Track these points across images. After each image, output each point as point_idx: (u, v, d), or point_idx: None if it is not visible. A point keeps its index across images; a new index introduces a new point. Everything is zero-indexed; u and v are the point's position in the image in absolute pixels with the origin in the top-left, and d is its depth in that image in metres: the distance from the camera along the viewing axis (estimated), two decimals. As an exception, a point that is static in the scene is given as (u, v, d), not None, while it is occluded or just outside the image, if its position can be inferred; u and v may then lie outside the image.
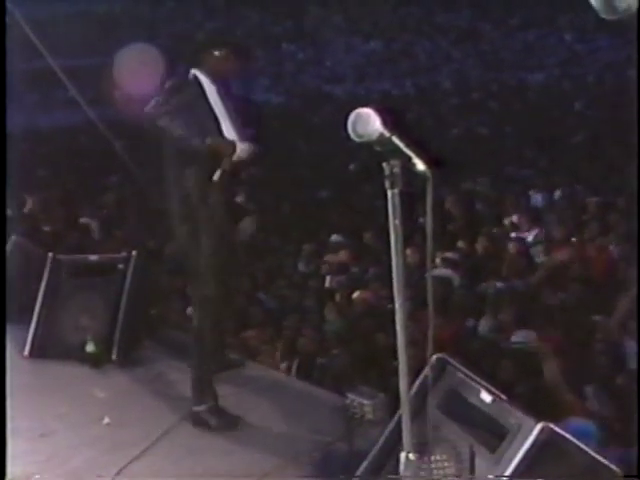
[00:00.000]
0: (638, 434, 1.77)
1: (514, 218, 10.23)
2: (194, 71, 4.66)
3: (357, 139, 2.72)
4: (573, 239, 9.05)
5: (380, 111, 2.71)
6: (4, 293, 5.22)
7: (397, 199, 2.73)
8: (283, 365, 7.22)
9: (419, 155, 2.68)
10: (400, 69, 25.97)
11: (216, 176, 4.52)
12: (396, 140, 2.71)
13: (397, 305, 2.78)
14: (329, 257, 9.59)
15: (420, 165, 2.67)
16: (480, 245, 9.19)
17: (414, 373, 3.45)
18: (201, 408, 4.68)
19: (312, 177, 14.03)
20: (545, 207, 10.78)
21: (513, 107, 19.37)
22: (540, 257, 8.80)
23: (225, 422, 4.67)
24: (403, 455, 2.94)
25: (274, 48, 29.24)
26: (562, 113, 17.38)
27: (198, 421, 4.68)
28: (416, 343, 3.10)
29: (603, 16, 1.65)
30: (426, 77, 24.72)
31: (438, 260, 8.52)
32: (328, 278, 9.06)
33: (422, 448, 3.12)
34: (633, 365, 6.21)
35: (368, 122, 2.71)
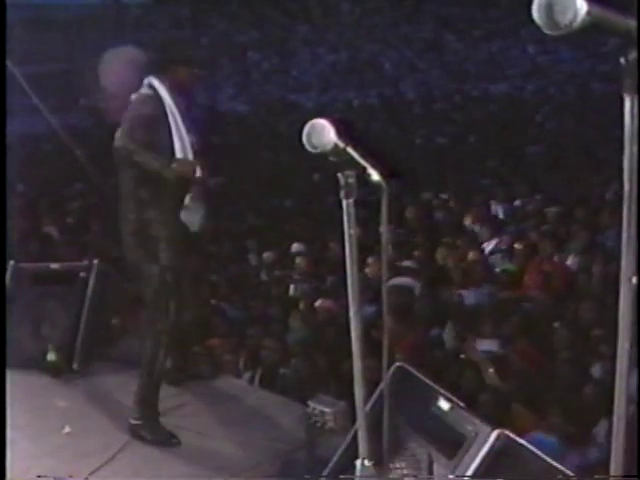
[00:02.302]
0: (638, 435, 1.82)
1: (474, 227, 10.33)
2: (150, 79, 4.58)
3: (312, 150, 2.72)
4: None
5: (335, 122, 2.73)
6: (4, 298, 5.19)
7: (352, 209, 2.75)
8: (246, 375, 7.23)
9: (374, 166, 2.70)
10: (365, 79, 26.09)
11: (187, 201, 4.55)
12: (351, 151, 2.72)
13: (352, 313, 2.80)
14: (295, 265, 9.63)
15: (375, 176, 2.69)
16: (440, 254, 9.27)
17: (374, 381, 3.49)
18: (138, 422, 4.69)
19: (276, 186, 14.05)
20: (505, 217, 10.89)
21: (476, 117, 19.55)
22: (499, 266, 8.89)
23: (160, 438, 4.66)
24: (359, 462, 2.96)
25: (239, 57, 29.27)
26: (524, 124, 17.57)
27: (135, 434, 4.69)
28: (377, 352, 3.12)
29: (546, 31, 1.69)
30: (391, 87, 24.86)
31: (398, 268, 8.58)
32: (292, 287, 9.09)
33: (380, 455, 3.14)
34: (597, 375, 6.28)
35: (322, 133, 2.71)
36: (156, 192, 4.55)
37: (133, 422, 4.70)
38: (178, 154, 4.50)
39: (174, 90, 4.54)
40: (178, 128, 4.52)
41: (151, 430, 4.67)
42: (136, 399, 4.73)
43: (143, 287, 4.77)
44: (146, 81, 4.59)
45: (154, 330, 4.70)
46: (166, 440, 4.64)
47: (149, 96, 4.55)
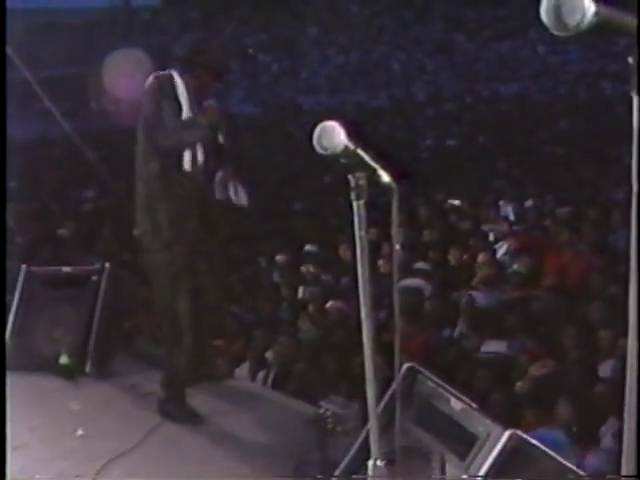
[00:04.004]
0: (638, 434, 1.83)
1: (486, 228, 10.32)
2: (171, 71, 4.69)
3: (323, 152, 2.73)
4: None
5: (345, 124, 2.74)
6: (4, 301, 5.21)
7: (362, 211, 2.76)
8: (259, 376, 7.25)
9: (384, 167, 2.71)
10: (375, 81, 26.11)
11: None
12: (361, 152, 2.74)
13: (363, 315, 2.81)
14: (303, 268, 9.63)
15: (385, 177, 2.70)
16: (452, 255, 9.26)
17: (386, 382, 3.50)
18: (166, 401, 4.90)
19: (287, 188, 14.06)
20: (517, 217, 10.88)
21: (486, 118, 19.53)
22: (510, 267, 8.87)
23: (188, 416, 4.83)
24: (371, 463, 2.97)
25: (249, 60, 29.32)
26: (535, 124, 17.54)
27: (164, 413, 4.88)
28: (389, 353, 3.13)
29: (554, 32, 1.70)
30: (400, 88, 24.87)
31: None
32: (301, 289, 9.09)
33: (392, 456, 3.15)
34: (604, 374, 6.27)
35: (333, 135, 2.72)
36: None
37: (163, 405, 4.90)
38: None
39: (191, 89, 4.65)
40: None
41: (180, 409, 4.84)
42: (164, 383, 4.92)
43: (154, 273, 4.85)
44: (167, 72, 4.70)
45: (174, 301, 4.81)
46: (195, 419, 4.81)
47: (164, 77, 4.65)
